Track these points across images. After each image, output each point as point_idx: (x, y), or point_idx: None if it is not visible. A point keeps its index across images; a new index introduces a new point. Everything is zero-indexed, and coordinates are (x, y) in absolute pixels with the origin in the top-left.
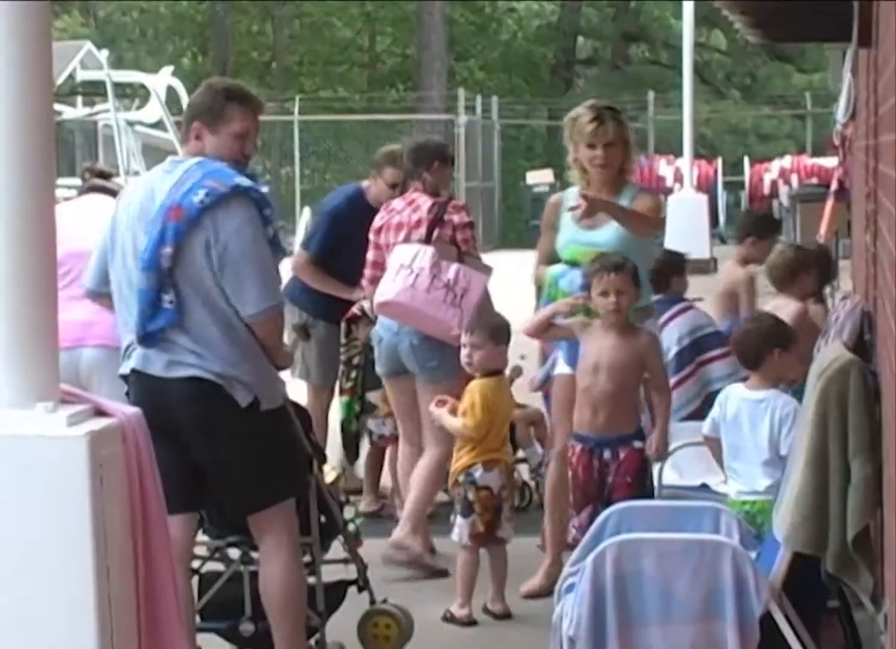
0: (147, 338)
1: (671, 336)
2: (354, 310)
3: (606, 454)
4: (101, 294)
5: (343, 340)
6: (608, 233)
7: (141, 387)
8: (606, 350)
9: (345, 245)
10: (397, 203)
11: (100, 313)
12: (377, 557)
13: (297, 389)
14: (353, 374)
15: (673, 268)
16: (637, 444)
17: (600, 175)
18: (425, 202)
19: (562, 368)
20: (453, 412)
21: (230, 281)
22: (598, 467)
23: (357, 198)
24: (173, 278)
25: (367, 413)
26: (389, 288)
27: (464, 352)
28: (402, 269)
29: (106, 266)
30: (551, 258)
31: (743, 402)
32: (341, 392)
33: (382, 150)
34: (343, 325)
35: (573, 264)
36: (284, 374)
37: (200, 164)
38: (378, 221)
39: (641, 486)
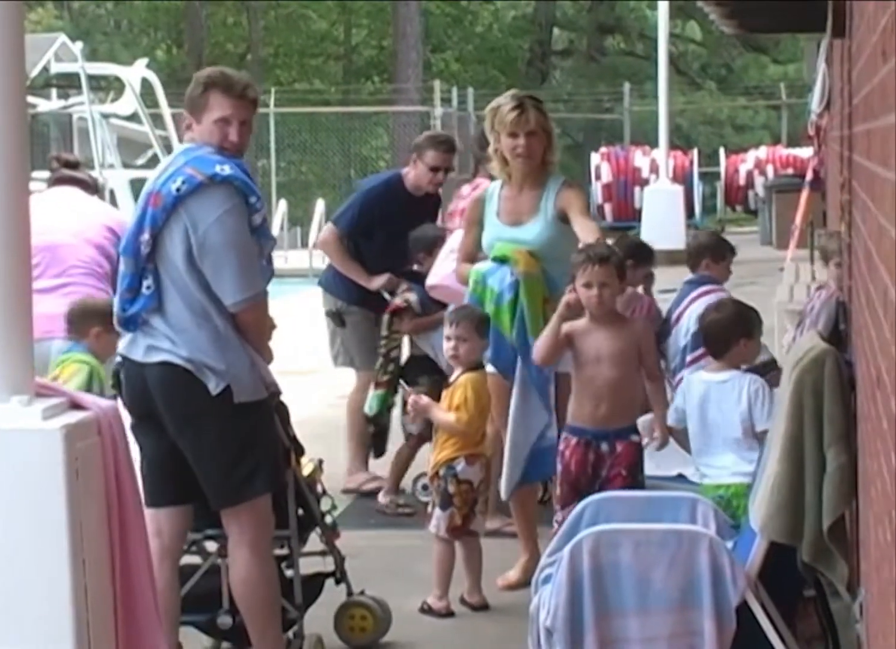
0: (126, 323)
1: (692, 316)
2: (398, 301)
3: (604, 447)
4: None
5: (384, 332)
6: (534, 229)
7: (126, 372)
8: (605, 340)
9: (375, 228)
10: (465, 189)
11: (66, 305)
12: (354, 549)
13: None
14: (391, 368)
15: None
16: (634, 438)
17: (522, 165)
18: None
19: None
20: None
21: (210, 270)
22: (592, 461)
23: (395, 183)
24: (153, 264)
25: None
26: (437, 271)
27: (448, 344)
28: (451, 253)
29: None
30: (473, 257)
31: (708, 385)
32: (376, 385)
33: (425, 134)
34: (386, 317)
35: (502, 261)
36: (317, 362)
37: (186, 152)
38: (450, 207)
39: (634, 480)
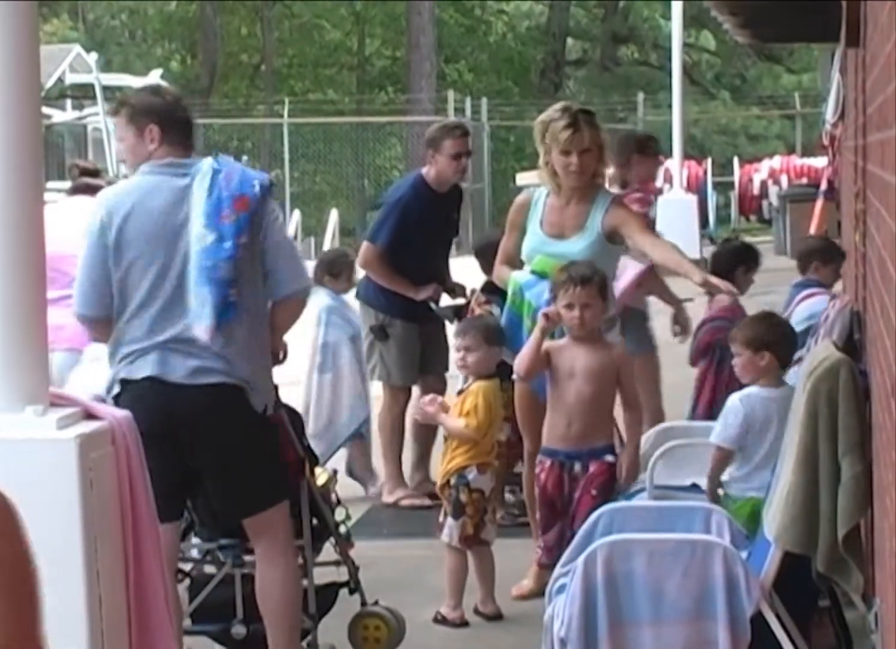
0: (216, 334)
1: (798, 318)
2: (476, 307)
3: (577, 467)
4: (104, 319)
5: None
6: (579, 244)
7: (155, 393)
8: (580, 359)
9: (413, 236)
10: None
11: (68, 317)
12: (368, 559)
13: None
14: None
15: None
16: (609, 458)
17: (573, 181)
18: None
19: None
20: (434, 404)
21: (272, 263)
22: (567, 482)
23: (420, 184)
24: (238, 271)
25: None
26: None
27: (457, 355)
28: None
29: (109, 287)
30: (513, 260)
31: (771, 404)
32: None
33: (434, 128)
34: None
35: (541, 276)
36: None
37: (224, 161)
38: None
39: (605, 501)
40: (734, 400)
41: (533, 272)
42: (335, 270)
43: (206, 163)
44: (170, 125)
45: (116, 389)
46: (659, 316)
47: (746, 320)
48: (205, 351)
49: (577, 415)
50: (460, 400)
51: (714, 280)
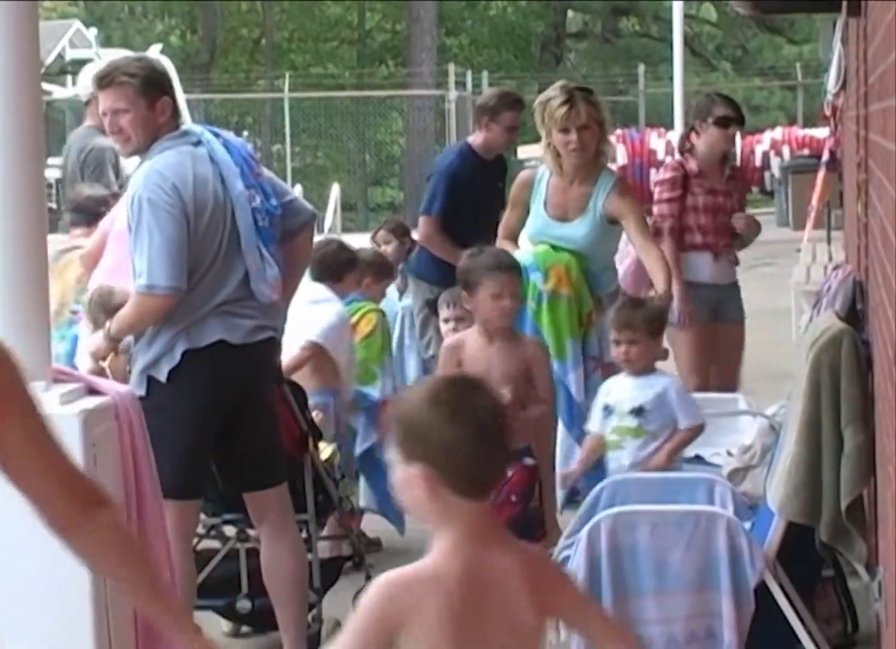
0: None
1: None
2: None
3: None
4: (182, 292)
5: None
6: (581, 228)
7: (224, 358)
8: (496, 360)
9: (464, 205)
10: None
11: None
12: (374, 533)
13: None
14: None
15: None
16: (527, 461)
17: (575, 159)
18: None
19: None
20: None
21: (279, 199)
22: None
23: (467, 152)
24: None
25: None
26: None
27: (447, 326)
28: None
29: (183, 260)
30: (516, 236)
31: None
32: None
33: (492, 95)
34: None
35: (541, 264)
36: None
37: (209, 128)
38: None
39: (525, 507)
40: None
41: (535, 256)
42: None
43: (199, 130)
44: (174, 98)
45: (174, 361)
46: None
47: (629, 307)
48: (255, 309)
49: None
50: None
51: (675, 296)
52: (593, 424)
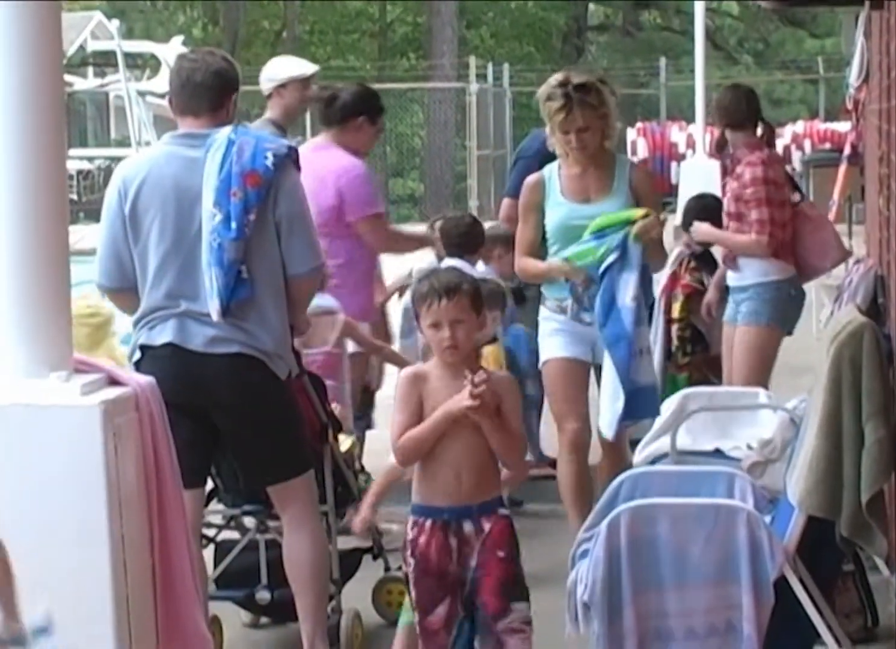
0: (227, 312)
1: None
2: (692, 282)
3: (468, 527)
4: (124, 290)
5: (679, 314)
6: (612, 202)
7: (176, 361)
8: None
9: None
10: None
11: None
12: (391, 525)
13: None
14: (689, 348)
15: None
16: (502, 511)
17: (578, 156)
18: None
19: (555, 352)
20: None
21: (287, 240)
22: (456, 546)
23: (544, 141)
24: (248, 247)
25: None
26: None
27: None
28: None
29: (129, 257)
30: (536, 248)
31: None
32: (679, 368)
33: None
34: (681, 299)
35: (600, 234)
36: None
37: (243, 131)
38: None
39: (514, 563)
40: None
41: (592, 233)
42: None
43: (223, 134)
44: (177, 95)
45: (137, 355)
46: None
47: None
48: (224, 321)
49: (467, 466)
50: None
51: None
52: None
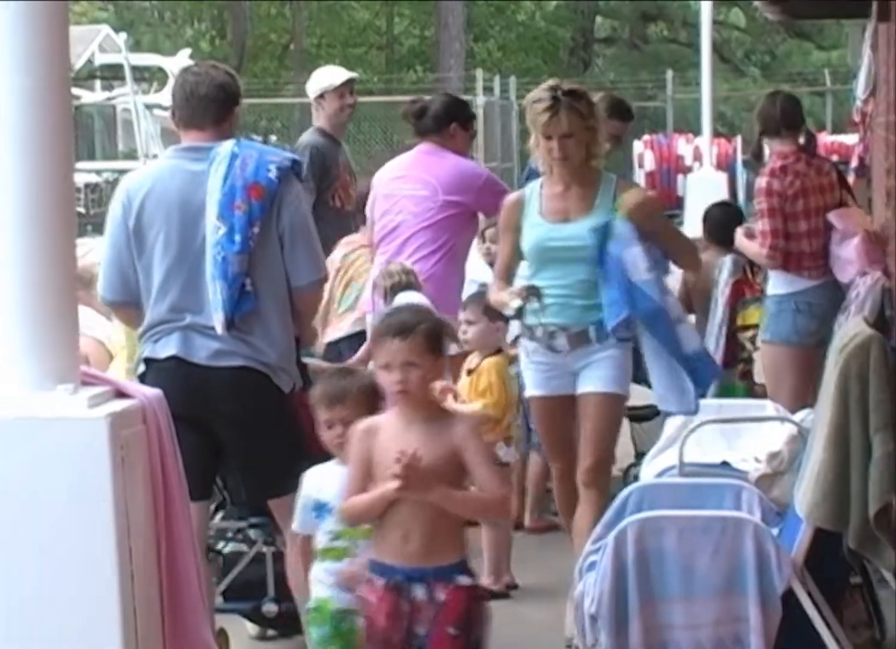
0: (231, 325)
1: None
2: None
3: (419, 593)
4: (129, 304)
5: (743, 321)
6: (593, 220)
7: (180, 374)
8: (416, 443)
9: None
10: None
11: None
12: None
13: None
14: (746, 355)
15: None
16: (463, 580)
17: (558, 167)
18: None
19: (531, 389)
20: (447, 392)
21: (291, 252)
22: (407, 612)
23: None
24: (252, 260)
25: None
26: None
27: (460, 329)
28: None
29: (133, 271)
30: (513, 270)
31: None
32: (743, 375)
33: (603, 99)
34: (755, 305)
35: None
36: None
37: (246, 144)
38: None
39: (467, 641)
40: None
41: None
42: None
43: (226, 148)
44: (181, 109)
45: (141, 368)
46: None
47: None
48: (225, 334)
49: (417, 526)
50: (472, 379)
51: None
52: None
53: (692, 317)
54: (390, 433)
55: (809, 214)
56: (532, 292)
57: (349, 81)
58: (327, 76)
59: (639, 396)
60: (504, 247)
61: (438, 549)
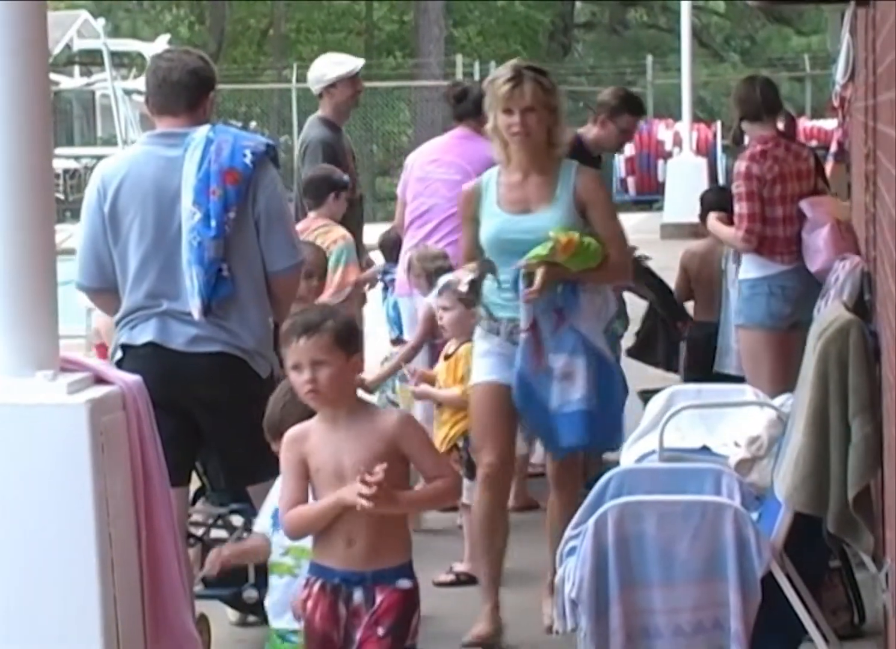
0: (208, 311)
1: None
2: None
3: (357, 596)
4: (105, 291)
5: None
6: (551, 216)
7: (158, 360)
8: (346, 449)
9: None
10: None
11: None
12: None
13: None
14: None
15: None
16: (403, 584)
17: (520, 146)
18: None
19: (482, 375)
20: (424, 380)
21: (266, 237)
22: (345, 617)
23: (578, 146)
24: (228, 245)
25: None
26: None
27: (437, 315)
28: None
29: (109, 258)
30: (475, 259)
31: None
32: None
33: (616, 93)
34: None
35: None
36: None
37: (221, 129)
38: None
39: (396, 642)
40: None
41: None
42: None
43: (201, 133)
44: (154, 95)
45: (119, 355)
46: None
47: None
48: (205, 320)
49: (362, 529)
50: (450, 365)
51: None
52: None
53: (690, 305)
54: (320, 436)
55: (786, 200)
56: (487, 267)
57: (358, 72)
58: (340, 65)
59: (652, 379)
60: (464, 239)
61: (384, 552)
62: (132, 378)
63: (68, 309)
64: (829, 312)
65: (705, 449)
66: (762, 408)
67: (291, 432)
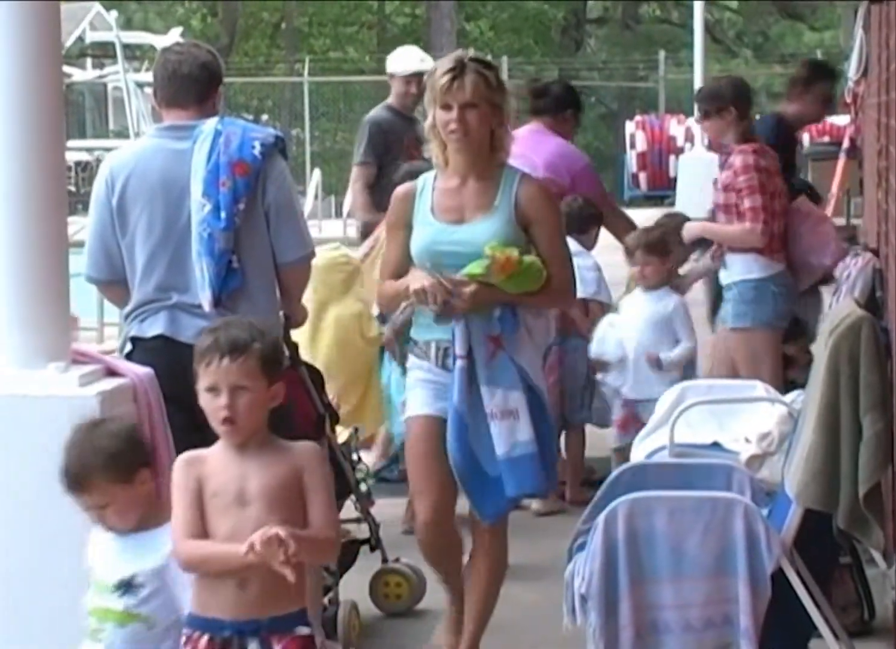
0: (218, 303)
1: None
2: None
3: (253, 647)
4: (114, 283)
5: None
6: (488, 227)
7: (168, 353)
8: (253, 476)
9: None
10: None
11: None
12: (389, 517)
13: None
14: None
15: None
16: (302, 631)
17: (459, 146)
18: None
19: (415, 409)
20: None
21: (276, 228)
22: None
23: (777, 125)
24: (238, 237)
25: None
26: None
27: None
28: None
29: (117, 250)
30: (402, 271)
31: None
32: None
33: (806, 64)
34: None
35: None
36: None
37: (229, 121)
38: None
39: None
40: None
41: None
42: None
43: (210, 125)
44: (163, 87)
45: (128, 347)
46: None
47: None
48: (210, 313)
49: (257, 574)
50: None
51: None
52: None
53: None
54: (220, 460)
55: (781, 195)
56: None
57: (416, 74)
58: (398, 62)
59: None
60: (392, 247)
61: (280, 596)
62: (143, 370)
63: (80, 301)
64: (841, 309)
65: (716, 445)
66: (773, 404)
67: (186, 455)
